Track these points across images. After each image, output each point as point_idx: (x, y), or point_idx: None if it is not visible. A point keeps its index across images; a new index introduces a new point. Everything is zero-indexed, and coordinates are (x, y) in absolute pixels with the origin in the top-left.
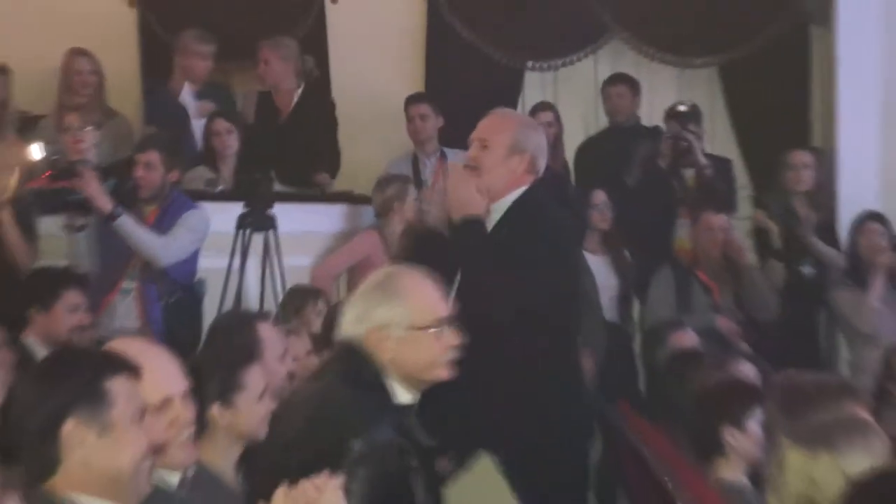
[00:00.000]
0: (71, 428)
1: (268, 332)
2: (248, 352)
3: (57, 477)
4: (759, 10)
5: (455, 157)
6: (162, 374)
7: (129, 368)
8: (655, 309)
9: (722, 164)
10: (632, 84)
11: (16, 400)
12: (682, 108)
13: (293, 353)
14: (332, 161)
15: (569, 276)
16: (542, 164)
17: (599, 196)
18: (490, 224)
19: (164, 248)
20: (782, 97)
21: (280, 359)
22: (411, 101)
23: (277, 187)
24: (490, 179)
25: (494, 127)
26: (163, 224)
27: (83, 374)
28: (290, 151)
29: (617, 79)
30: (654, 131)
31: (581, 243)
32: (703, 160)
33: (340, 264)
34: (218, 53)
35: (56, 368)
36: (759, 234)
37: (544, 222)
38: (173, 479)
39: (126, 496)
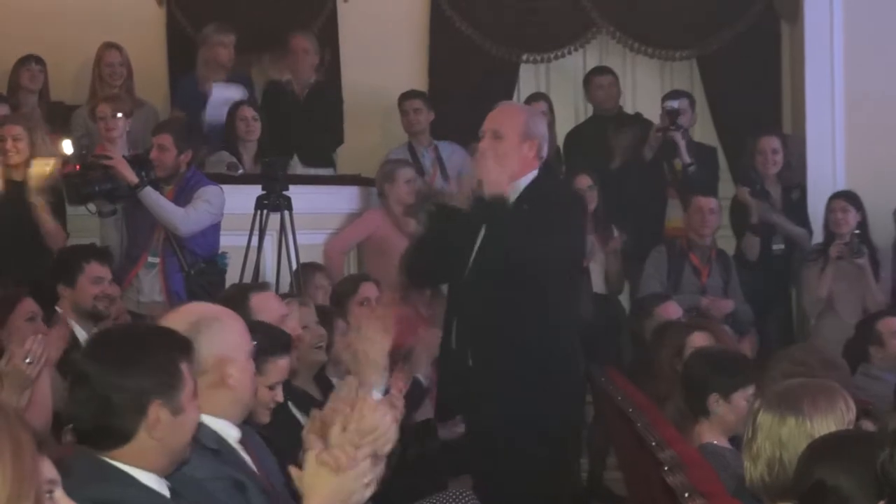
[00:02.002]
0: (156, 408)
1: (259, 302)
2: None
3: (122, 450)
4: (733, 5)
5: (448, 149)
6: (241, 332)
7: (191, 348)
8: (646, 286)
9: (707, 152)
10: (613, 75)
11: (92, 376)
12: (671, 104)
13: (303, 322)
14: (334, 140)
15: (581, 240)
16: (546, 149)
17: (584, 180)
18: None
19: (183, 218)
20: (755, 86)
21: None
22: (406, 96)
23: (296, 170)
24: (506, 165)
25: (506, 117)
26: (180, 200)
27: (165, 356)
28: (307, 133)
29: (599, 70)
30: (637, 119)
31: (585, 217)
32: (687, 158)
33: (350, 240)
34: (238, 45)
35: (138, 350)
36: (738, 210)
37: (558, 197)
38: (234, 432)
39: (171, 469)
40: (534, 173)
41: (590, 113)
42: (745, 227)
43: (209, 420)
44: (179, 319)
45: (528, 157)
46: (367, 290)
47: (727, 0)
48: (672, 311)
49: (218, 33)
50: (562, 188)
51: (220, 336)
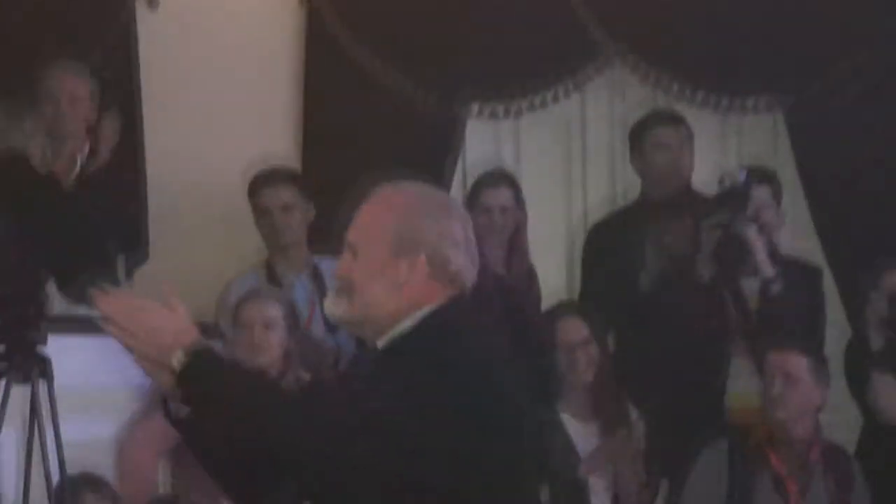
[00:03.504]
0: None
1: None
2: None
3: None
4: (856, 25)
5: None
6: None
7: None
8: None
9: (804, 276)
10: (686, 127)
11: None
12: (728, 181)
13: None
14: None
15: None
16: (463, 268)
17: (574, 330)
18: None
19: None
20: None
21: None
22: (260, 182)
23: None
24: (365, 302)
25: (365, 218)
26: None
27: None
28: (78, 244)
29: (663, 119)
30: (724, 201)
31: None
32: (767, 270)
33: (167, 428)
34: None
35: None
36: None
37: (447, 357)
38: None
39: None
40: (425, 311)
41: (596, 201)
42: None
43: None
44: None
45: (411, 285)
46: None
47: (846, 17)
48: None
49: None
50: (470, 340)
51: None
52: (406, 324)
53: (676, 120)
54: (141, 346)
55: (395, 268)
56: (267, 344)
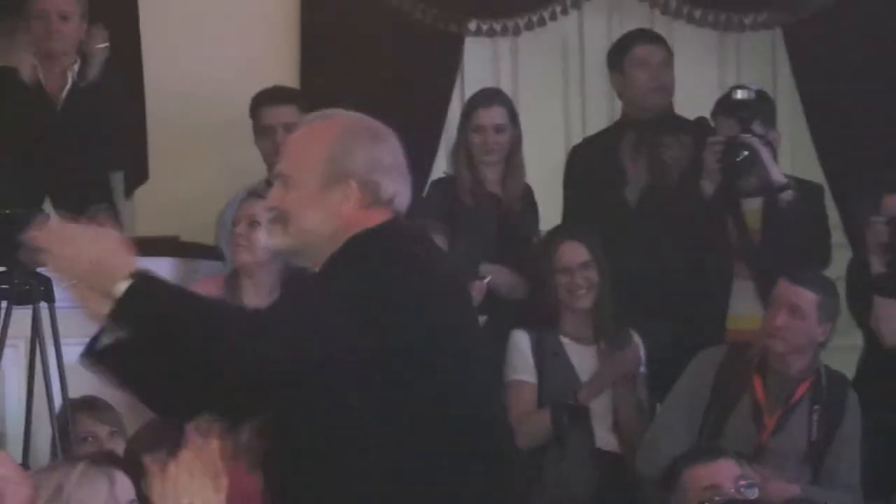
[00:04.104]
0: None
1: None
2: None
3: None
4: None
5: None
6: None
7: None
8: (662, 429)
9: (807, 193)
10: (666, 47)
11: None
12: (740, 94)
13: None
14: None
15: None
16: (397, 192)
17: (573, 253)
18: None
19: None
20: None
21: None
22: (263, 101)
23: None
24: (301, 230)
25: (296, 147)
26: None
27: None
28: (73, 164)
29: (642, 37)
30: (698, 126)
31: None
32: (779, 177)
33: None
34: None
35: None
36: (864, 285)
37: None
38: None
39: None
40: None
41: (595, 121)
42: (870, 288)
43: None
44: None
45: (343, 213)
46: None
47: None
48: (724, 472)
49: None
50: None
51: None
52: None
53: (655, 38)
54: (82, 274)
55: (327, 196)
56: (247, 242)
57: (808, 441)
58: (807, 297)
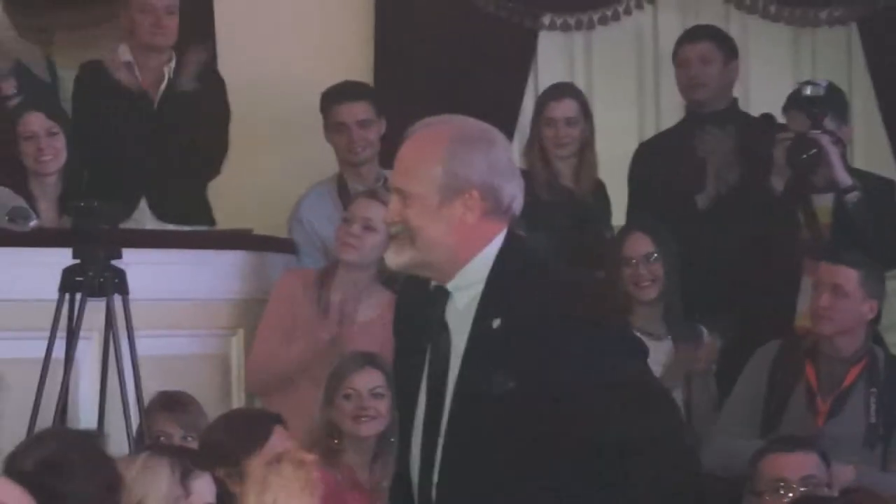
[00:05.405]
0: None
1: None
2: None
3: None
4: None
5: None
6: None
7: None
8: (729, 419)
9: (877, 189)
10: (723, 42)
11: None
12: (810, 90)
13: None
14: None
15: (619, 354)
16: (516, 194)
17: (638, 245)
18: (460, 312)
19: None
20: None
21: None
22: (336, 97)
23: (146, 222)
24: (426, 245)
25: (409, 161)
26: None
27: None
28: (163, 159)
29: (698, 33)
30: (766, 122)
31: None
32: (845, 178)
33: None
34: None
35: None
36: None
37: (553, 293)
38: None
39: None
40: (495, 246)
41: (669, 116)
42: None
43: None
44: None
45: (470, 222)
46: (281, 440)
47: None
48: (796, 465)
49: None
50: (551, 266)
51: None
52: (477, 263)
53: (697, 35)
54: None
55: (450, 208)
56: (360, 243)
57: (868, 424)
58: (847, 275)
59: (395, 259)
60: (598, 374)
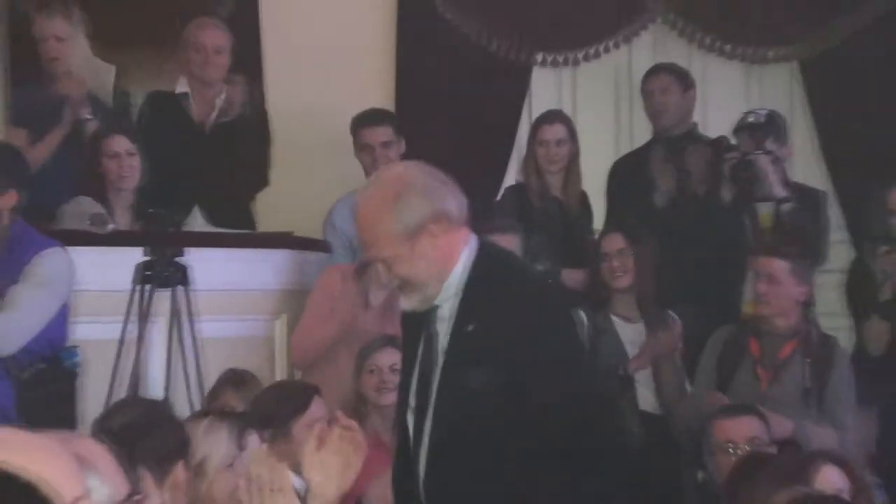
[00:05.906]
0: None
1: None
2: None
3: None
4: None
5: None
6: None
7: None
8: (692, 393)
9: (810, 199)
10: (680, 75)
11: None
12: (752, 118)
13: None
14: (254, 184)
15: (566, 342)
16: (457, 204)
17: (613, 242)
18: (445, 319)
19: (3, 330)
20: (888, 104)
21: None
22: (364, 121)
23: (197, 226)
24: (423, 284)
25: (371, 234)
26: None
27: None
28: (214, 173)
29: (659, 69)
30: (718, 144)
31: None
32: (779, 191)
33: (327, 321)
34: (97, 35)
35: None
36: (859, 283)
37: (510, 299)
38: None
39: None
40: (468, 255)
41: (642, 138)
42: (872, 309)
43: None
44: None
45: (441, 244)
46: (319, 407)
47: None
48: (741, 428)
49: (42, 15)
50: (511, 277)
51: None
52: (457, 272)
53: (658, 70)
54: None
55: (419, 247)
56: None
57: (804, 389)
58: (780, 266)
59: (409, 304)
60: (551, 359)
